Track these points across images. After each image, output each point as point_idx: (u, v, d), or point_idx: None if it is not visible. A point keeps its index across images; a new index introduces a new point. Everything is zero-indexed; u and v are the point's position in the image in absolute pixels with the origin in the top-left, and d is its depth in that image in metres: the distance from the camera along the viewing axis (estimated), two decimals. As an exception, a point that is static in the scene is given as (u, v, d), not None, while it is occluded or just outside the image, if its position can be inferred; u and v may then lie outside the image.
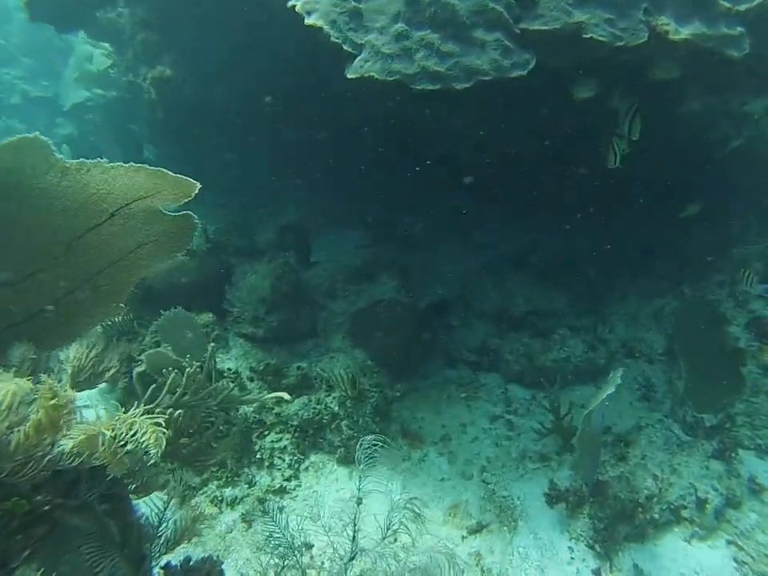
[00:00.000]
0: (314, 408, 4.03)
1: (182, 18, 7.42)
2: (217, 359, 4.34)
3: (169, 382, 2.63)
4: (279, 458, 3.91)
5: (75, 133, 12.57)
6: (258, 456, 3.91)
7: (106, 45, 10.69)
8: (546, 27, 2.99)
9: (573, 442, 3.55)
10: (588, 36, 3.02)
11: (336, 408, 3.98)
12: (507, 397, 4.62)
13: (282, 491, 3.76)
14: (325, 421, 3.96)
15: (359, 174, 9.24)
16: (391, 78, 2.88)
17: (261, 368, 4.17)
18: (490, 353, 4.98)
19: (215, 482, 3.83)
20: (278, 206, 8.61)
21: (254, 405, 4.03)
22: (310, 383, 4.22)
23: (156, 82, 7.50)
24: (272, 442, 3.95)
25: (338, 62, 6.07)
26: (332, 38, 3.04)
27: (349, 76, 3.03)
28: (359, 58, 3.04)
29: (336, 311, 5.00)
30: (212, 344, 3.69)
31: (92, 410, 4.60)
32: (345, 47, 3.05)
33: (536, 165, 6.34)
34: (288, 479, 3.82)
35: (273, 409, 4.06)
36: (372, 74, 2.92)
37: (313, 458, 3.98)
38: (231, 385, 2.85)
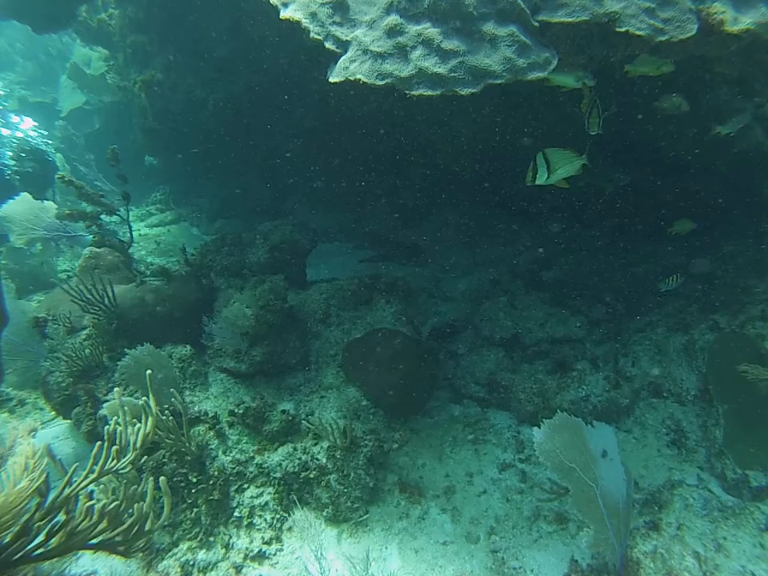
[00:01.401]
0: (300, 459, 3.56)
1: (173, 20, 7.02)
2: (194, 398, 3.89)
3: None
4: (259, 516, 3.44)
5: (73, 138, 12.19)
6: (236, 513, 3.44)
7: (102, 48, 10.34)
8: (570, 19, 2.48)
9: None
10: (623, 30, 2.52)
11: (324, 460, 3.50)
12: (519, 441, 4.12)
13: (260, 557, 3.30)
14: (312, 476, 3.48)
15: (361, 185, 8.83)
16: (382, 82, 2.41)
17: (241, 411, 3.70)
18: (501, 388, 4.48)
19: (187, 543, 3.38)
20: (276, 218, 8.19)
21: (232, 455, 3.57)
22: (296, 428, 3.75)
23: (146, 86, 7.11)
24: (252, 497, 3.49)
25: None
26: (311, 34, 2.58)
27: (331, 80, 2.57)
28: (344, 57, 2.56)
29: (330, 340, 4.53)
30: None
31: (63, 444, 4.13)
32: (327, 45, 2.58)
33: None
34: (268, 542, 3.35)
35: (254, 459, 3.60)
36: (359, 76, 2.44)
37: (298, 515, 3.50)
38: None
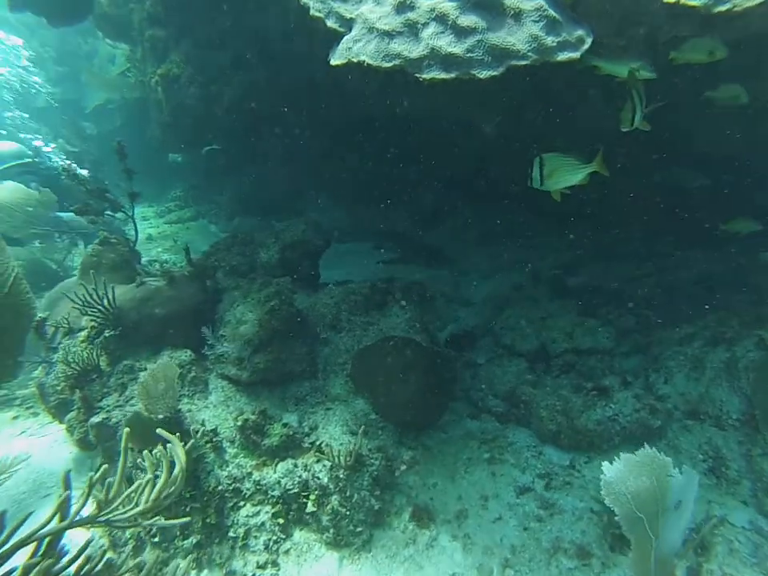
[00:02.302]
0: (300, 477, 3.31)
1: (190, 13, 6.86)
2: (193, 406, 3.68)
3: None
4: (255, 536, 3.20)
5: (95, 134, 12.24)
6: (231, 533, 3.22)
7: (124, 45, 10.29)
8: (607, -9, 2.16)
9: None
10: (672, 0, 2.18)
11: (326, 480, 3.25)
12: (539, 462, 3.80)
13: (254, 582, 3.06)
14: (313, 497, 3.23)
15: (382, 184, 8.57)
16: (389, 64, 2.14)
17: (239, 424, 3.47)
18: (521, 404, 4.17)
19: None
20: (295, 216, 7.93)
21: (228, 469, 3.34)
22: (298, 443, 3.50)
23: (163, 81, 6.97)
24: (248, 516, 3.25)
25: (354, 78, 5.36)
26: (311, 12, 2.32)
27: (333, 62, 2.31)
28: (347, 37, 2.30)
29: (340, 347, 4.28)
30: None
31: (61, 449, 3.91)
32: (329, 23, 2.32)
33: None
34: (263, 566, 3.11)
35: (251, 475, 3.36)
36: (363, 58, 2.17)
37: (297, 536, 3.26)
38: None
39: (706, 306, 4.93)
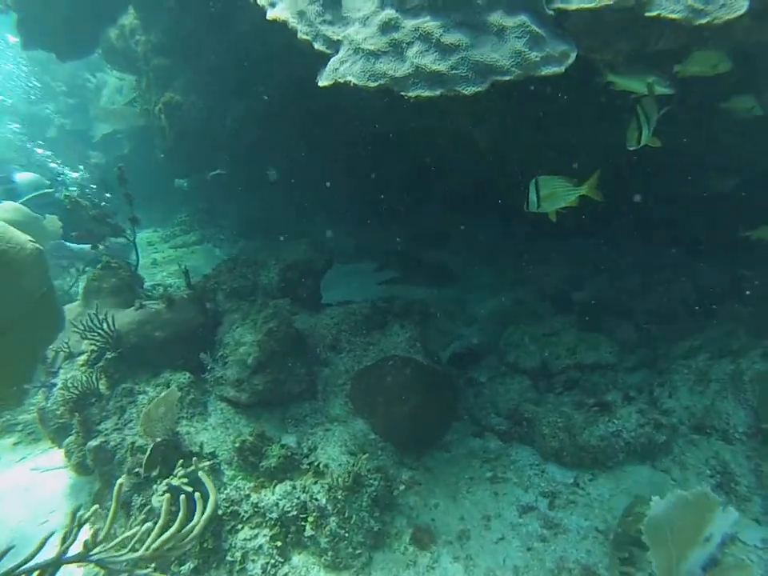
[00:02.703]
0: (298, 498, 3.27)
1: (193, 42, 7.02)
2: (191, 429, 3.67)
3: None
4: (253, 560, 3.15)
5: (104, 162, 12.46)
6: (228, 557, 3.17)
7: (130, 76, 10.54)
8: (590, 5, 2.18)
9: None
10: (654, 14, 2.20)
11: (324, 501, 3.20)
12: (543, 480, 3.73)
13: (252, 607, 3.01)
14: (311, 519, 3.19)
15: (385, 204, 8.63)
16: (374, 84, 2.16)
17: (237, 446, 3.44)
18: (524, 422, 4.11)
19: (177, 589, 3.12)
20: (296, 238, 7.97)
21: (226, 492, 3.31)
22: (296, 464, 3.46)
23: (166, 108, 7.11)
24: (245, 540, 3.21)
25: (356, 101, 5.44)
26: (299, 35, 2.37)
27: (320, 84, 2.34)
28: (334, 58, 2.33)
29: (340, 368, 4.26)
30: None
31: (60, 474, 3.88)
32: (316, 46, 2.37)
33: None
34: (261, 591, 3.05)
35: (249, 497, 3.33)
36: (350, 78, 2.21)
37: (295, 560, 3.21)
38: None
39: (712, 319, 4.88)
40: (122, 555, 2.24)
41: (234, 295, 5.00)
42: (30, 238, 3.08)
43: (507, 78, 2.13)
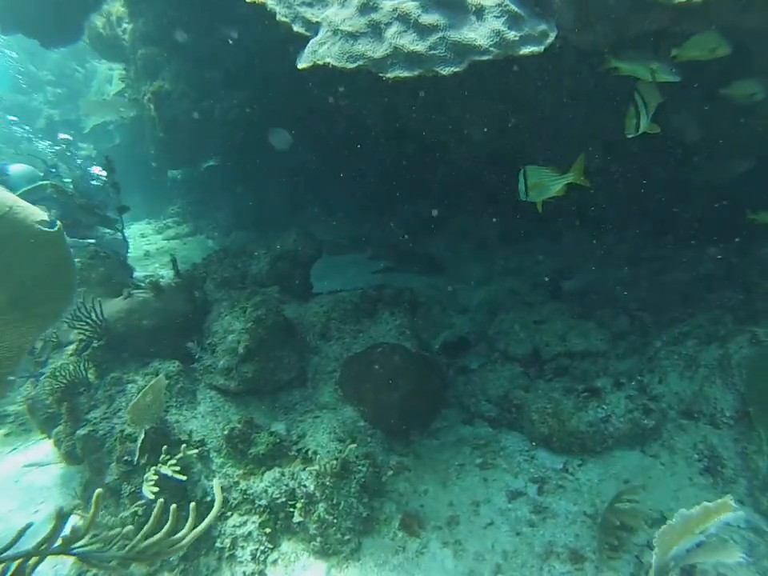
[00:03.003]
0: (287, 485, 3.27)
1: (182, 30, 6.94)
2: (181, 417, 3.66)
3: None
4: (242, 547, 3.16)
5: (94, 154, 12.36)
6: (217, 544, 3.17)
7: (120, 65, 10.45)
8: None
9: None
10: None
11: (312, 488, 3.20)
12: (532, 466, 3.75)
13: (241, 594, 3.01)
14: (299, 505, 3.19)
15: (378, 195, 8.60)
16: (353, 65, 2.14)
17: (225, 433, 3.44)
18: (513, 408, 4.12)
19: (165, 574, 3.12)
20: (289, 228, 7.95)
21: (215, 480, 3.31)
22: (285, 451, 3.46)
23: (155, 98, 7.04)
24: (234, 526, 3.21)
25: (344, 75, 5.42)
26: (278, 17, 2.34)
27: (299, 66, 2.32)
28: (313, 40, 2.31)
29: (329, 356, 4.26)
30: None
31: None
32: (295, 28, 2.34)
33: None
34: (250, 577, 3.06)
35: (238, 484, 3.33)
36: (328, 60, 2.18)
37: (284, 546, 3.21)
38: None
39: (701, 306, 4.90)
40: (104, 551, 2.23)
41: (225, 285, 4.98)
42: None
43: (486, 57, 2.11)
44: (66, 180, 7.51)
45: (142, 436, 3.20)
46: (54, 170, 6.46)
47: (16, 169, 5.99)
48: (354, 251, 8.77)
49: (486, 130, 5.03)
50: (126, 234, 4.77)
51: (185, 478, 3.10)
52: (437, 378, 4.01)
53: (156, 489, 2.84)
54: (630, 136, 2.92)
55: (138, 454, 3.18)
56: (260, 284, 5.01)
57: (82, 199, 4.47)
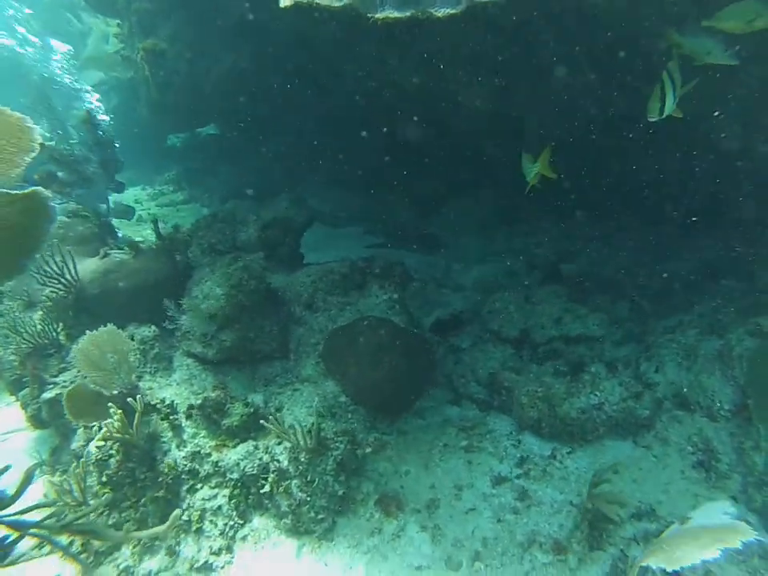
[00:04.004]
0: (260, 459, 3.12)
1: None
2: (154, 384, 3.50)
3: None
4: (211, 521, 3.02)
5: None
6: (185, 516, 3.03)
7: (117, 20, 10.06)
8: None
9: None
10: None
11: (286, 463, 3.05)
12: (519, 451, 3.60)
13: (207, 569, 2.88)
14: (271, 479, 3.04)
15: (377, 170, 8.35)
16: (339, 4, 1.92)
17: (198, 402, 3.28)
18: (503, 390, 3.97)
19: (130, 547, 2.99)
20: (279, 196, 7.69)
21: (186, 450, 3.16)
22: (260, 424, 3.30)
23: (149, 56, 6.73)
24: (204, 499, 3.07)
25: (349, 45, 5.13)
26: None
27: (282, 4, 2.10)
28: (297, -22, 2.08)
29: (314, 327, 4.08)
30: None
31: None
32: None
33: (573, 156, 5.28)
34: (217, 552, 2.93)
35: (210, 455, 3.18)
36: (314, -1, 1.96)
37: (255, 522, 3.08)
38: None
39: (704, 295, 4.72)
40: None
41: (211, 250, 4.79)
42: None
43: None
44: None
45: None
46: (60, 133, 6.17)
47: None
48: (350, 224, 8.57)
49: (488, 102, 4.78)
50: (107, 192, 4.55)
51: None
52: (425, 355, 3.84)
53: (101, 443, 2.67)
54: (652, 119, 2.65)
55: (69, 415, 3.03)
56: (248, 251, 4.82)
57: (60, 153, 4.24)
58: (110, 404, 2.75)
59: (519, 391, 3.79)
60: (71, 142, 4.83)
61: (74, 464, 2.80)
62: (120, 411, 2.84)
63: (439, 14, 1.85)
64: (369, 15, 1.92)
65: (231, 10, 6.39)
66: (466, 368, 4.37)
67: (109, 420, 2.79)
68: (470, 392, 4.18)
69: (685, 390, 3.60)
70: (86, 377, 3.05)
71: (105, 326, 3.13)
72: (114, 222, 5.29)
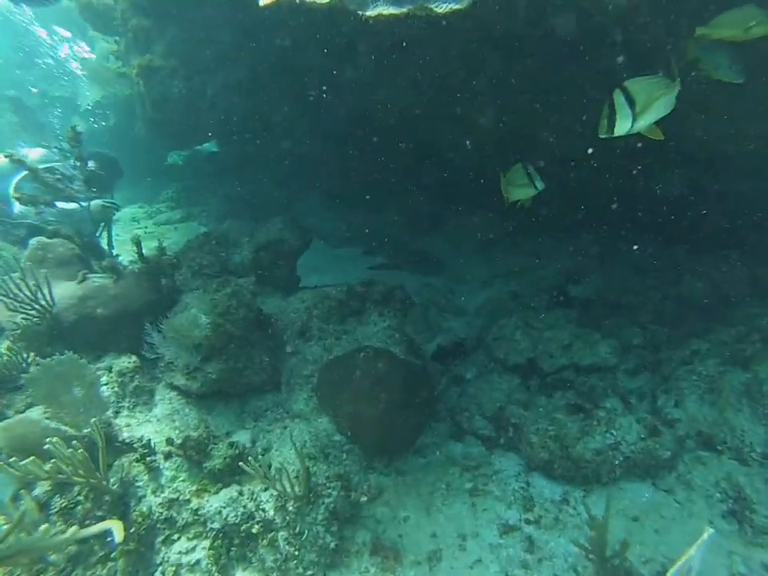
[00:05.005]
0: (244, 507, 2.83)
1: (176, 2, 6.50)
2: (132, 420, 3.22)
3: None
4: (188, 578, 2.72)
5: (85, 131, 11.93)
6: (159, 571, 2.73)
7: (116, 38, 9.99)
8: None
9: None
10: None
11: (272, 512, 2.76)
12: (528, 495, 3.30)
13: (181, 637, 2.58)
14: (255, 530, 2.75)
15: (376, 188, 8.15)
16: (325, 0, 1.69)
17: (179, 441, 3.00)
18: (510, 427, 3.67)
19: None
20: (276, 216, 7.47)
21: (162, 496, 2.87)
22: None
23: (144, 72, 6.58)
24: (180, 552, 2.77)
25: (345, 58, 4.94)
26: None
27: (261, 3, 1.88)
28: (278, -29, 1.86)
29: (307, 358, 3.81)
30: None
31: None
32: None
33: (581, 171, 5.06)
34: (194, 615, 2.62)
35: (189, 502, 2.89)
36: (297, -6, 1.73)
37: (238, 578, 2.78)
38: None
39: (721, 320, 4.46)
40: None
41: (202, 273, 4.55)
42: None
43: None
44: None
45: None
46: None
47: (32, 154, 5.41)
48: (350, 244, 8.35)
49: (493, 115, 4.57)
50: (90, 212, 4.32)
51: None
52: (426, 389, 3.56)
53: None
54: (602, 136, 2.45)
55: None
56: (241, 274, 4.58)
57: (42, 172, 4.02)
58: (53, 440, 2.44)
59: (528, 429, 3.50)
60: (54, 159, 4.60)
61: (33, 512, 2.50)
62: (82, 451, 2.56)
63: (441, 10, 1.62)
64: (359, 12, 1.68)
65: (227, 26, 6.25)
66: (471, 401, 4.08)
67: (66, 460, 2.51)
68: (474, 427, 3.88)
69: (708, 428, 3.31)
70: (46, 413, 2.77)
71: (61, 354, 2.87)
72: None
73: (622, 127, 2.39)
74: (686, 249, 5.88)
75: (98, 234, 5.27)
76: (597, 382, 4.11)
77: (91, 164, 5.42)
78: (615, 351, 4.39)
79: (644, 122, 2.40)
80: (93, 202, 4.74)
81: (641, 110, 2.36)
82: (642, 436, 3.31)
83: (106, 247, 5.19)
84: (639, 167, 4.92)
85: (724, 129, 3.85)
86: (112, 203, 4.89)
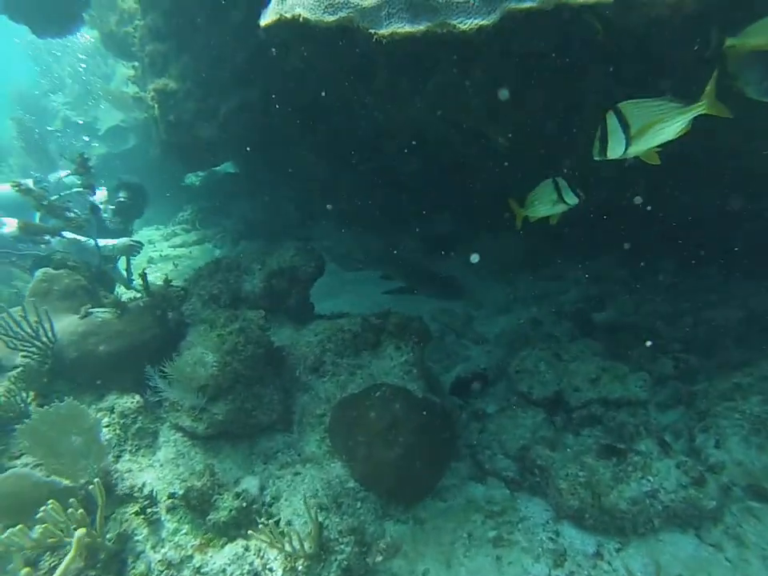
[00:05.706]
0: (250, 565, 2.62)
1: (191, 27, 6.49)
2: (134, 465, 3.05)
3: None
4: (189, 644, 2.52)
5: (104, 152, 12.06)
6: (159, 636, 2.54)
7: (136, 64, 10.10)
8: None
9: None
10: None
11: (280, 572, 2.56)
12: (558, 547, 3.04)
13: None
14: (260, 592, 2.54)
15: (393, 210, 8.02)
16: (332, 18, 1.53)
17: (182, 492, 2.82)
18: (536, 470, 3.43)
19: None
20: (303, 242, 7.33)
21: (162, 552, 2.68)
22: (253, 518, 2.82)
23: (159, 96, 6.56)
24: (182, 615, 2.57)
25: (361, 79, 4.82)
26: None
27: (262, 23, 1.73)
28: (281, -8, 1.70)
29: (320, 395, 3.62)
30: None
31: None
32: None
33: (606, 191, 4.83)
34: None
35: (191, 558, 2.69)
36: (299, 11, 1.58)
37: (243, 646, 2.57)
38: None
39: (760, 350, 4.17)
40: None
41: (213, 302, 4.42)
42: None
43: (529, 5, 1.46)
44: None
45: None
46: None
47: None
48: (367, 268, 8.18)
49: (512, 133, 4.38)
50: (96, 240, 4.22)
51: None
52: (446, 429, 3.34)
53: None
54: (596, 159, 2.36)
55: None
56: (252, 303, 4.43)
57: (48, 200, 3.93)
58: (48, 507, 2.28)
59: (556, 473, 3.25)
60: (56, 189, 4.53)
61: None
62: (81, 512, 2.38)
63: (464, 27, 1.44)
64: (372, 31, 1.51)
65: (240, 47, 6.21)
66: (492, 438, 3.84)
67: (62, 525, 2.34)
68: (496, 467, 3.64)
69: (759, 474, 3.03)
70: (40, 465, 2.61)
71: (60, 400, 2.72)
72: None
73: (615, 152, 2.28)
74: (718, 271, 5.59)
75: (116, 264, 5.21)
76: (627, 418, 3.84)
77: (122, 195, 5.37)
78: (647, 384, 4.12)
79: (639, 147, 2.24)
80: (120, 240, 4.73)
81: (636, 135, 2.20)
82: (683, 484, 3.03)
83: (125, 273, 5.12)
84: (670, 183, 4.69)
85: (759, 146, 3.62)
86: (137, 242, 4.88)
